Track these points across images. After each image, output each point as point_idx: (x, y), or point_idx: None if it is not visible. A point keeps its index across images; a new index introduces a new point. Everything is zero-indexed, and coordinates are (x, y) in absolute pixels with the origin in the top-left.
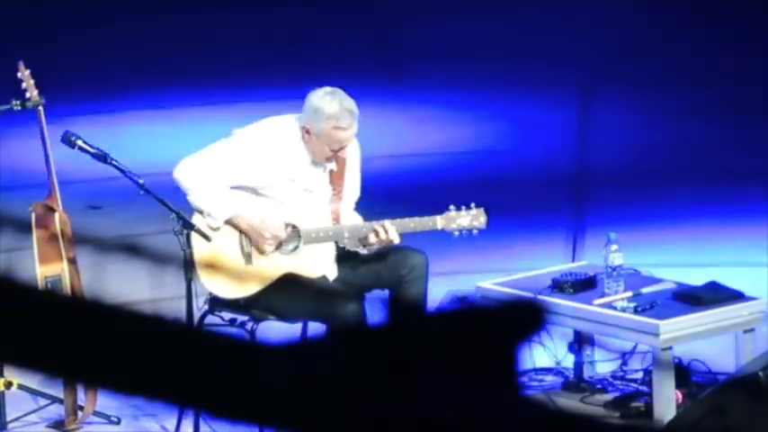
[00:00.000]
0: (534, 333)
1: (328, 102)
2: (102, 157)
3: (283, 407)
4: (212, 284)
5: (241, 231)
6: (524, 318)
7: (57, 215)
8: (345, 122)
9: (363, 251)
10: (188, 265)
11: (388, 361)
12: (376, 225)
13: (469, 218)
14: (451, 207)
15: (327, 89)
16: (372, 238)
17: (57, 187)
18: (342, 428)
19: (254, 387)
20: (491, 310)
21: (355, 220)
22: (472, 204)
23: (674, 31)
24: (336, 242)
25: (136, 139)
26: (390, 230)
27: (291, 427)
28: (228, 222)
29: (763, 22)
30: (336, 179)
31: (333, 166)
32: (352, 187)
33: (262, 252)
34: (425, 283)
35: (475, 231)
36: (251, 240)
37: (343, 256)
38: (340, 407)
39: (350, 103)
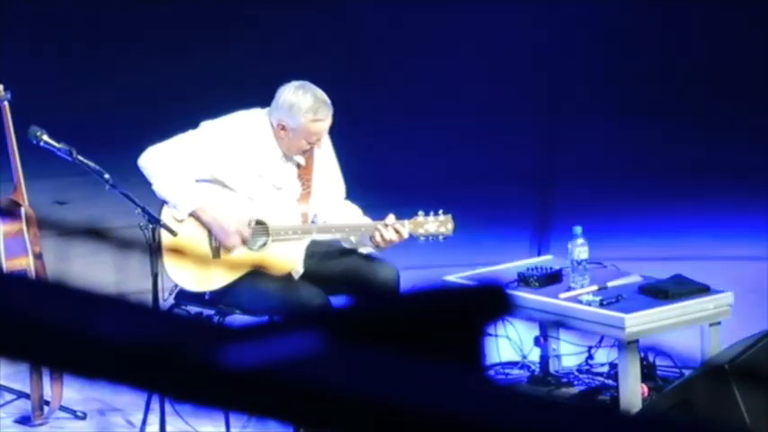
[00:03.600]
0: (501, 316)
1: (302, 96)
2: (68, 152)
3: (247, 389)
4: (178, 276)
5: (203, 225)
6: (490, 300)
7: (23, 210)
8: (322, 114)
9: (369, 250)
10: (154, 260)
11: (355, 344)
12: (380, 224)
13: (437, 224)
14: (420, 212)
15: (296, 83)
16: (380, 241)
17: (22, 182)
18: (308, 411)
19: (219, 369)
20: (457, 293)
21: (353, 212)
22: (440, 211)
23: (642, 26)
24: (342, 241)
25: (102, 134)
26: (400, 230)
27: (257, 410)
28: (192, 215)
29: (726, 19)
30: (305, 174)
31: (301, 160)
32: (328, 182)
33: (226, 248)
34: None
35: (441, 238)
36: (213, 234)
37: (312, 256)
38: (306, 389)
39: (322, 94)
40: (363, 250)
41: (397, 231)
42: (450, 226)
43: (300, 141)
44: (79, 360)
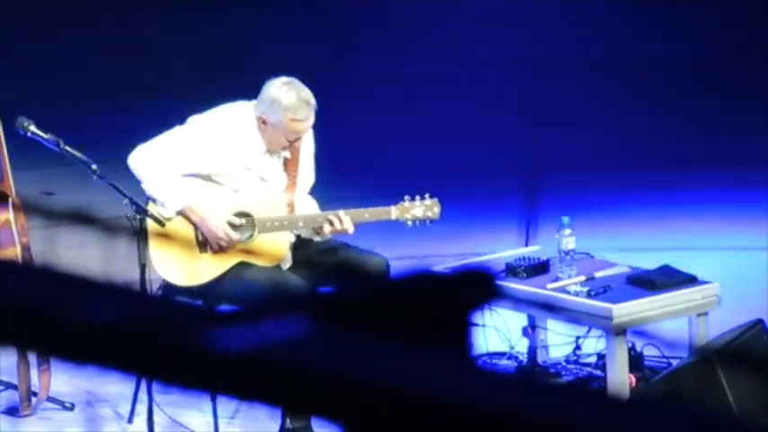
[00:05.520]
0: (487, 300)
1: (285, 93)
2: (55, 143)
3: (235, 373)
4: (165, 270)
5: (192, 224)
6: (476, 284)
7: (10, 201)
8: (302, 114)
9: (317, 238)
10: (141, 251)
11: (342, 328)
12: (330, 215)
13: (423, 208)
14: (406, 197)
15: (284, 79)
16: (327, 228)
17: (9, 173)
18: (294, 395)
19: (206, 352)
20: (443, 277)
21: (311, 205)
22: (426, 195)
23: (628, 16)
24: (292, 231)
25: (89, 125)
26: (345, 220)
27: (244, 394)
28: (180, 213)
29: (712, 12)
30: (291, 166)
31: (287, 153)
32: (306, 174)
33: (215, 249)
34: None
35: (428, 222)
36: (202, 234)
37: (300, 247)
38: (293, 373)
39: (307, 94)
40: (306, 235)
41: (341, 222)
42: (436, 209)
43: (280, 138)
44: (67, 343)
